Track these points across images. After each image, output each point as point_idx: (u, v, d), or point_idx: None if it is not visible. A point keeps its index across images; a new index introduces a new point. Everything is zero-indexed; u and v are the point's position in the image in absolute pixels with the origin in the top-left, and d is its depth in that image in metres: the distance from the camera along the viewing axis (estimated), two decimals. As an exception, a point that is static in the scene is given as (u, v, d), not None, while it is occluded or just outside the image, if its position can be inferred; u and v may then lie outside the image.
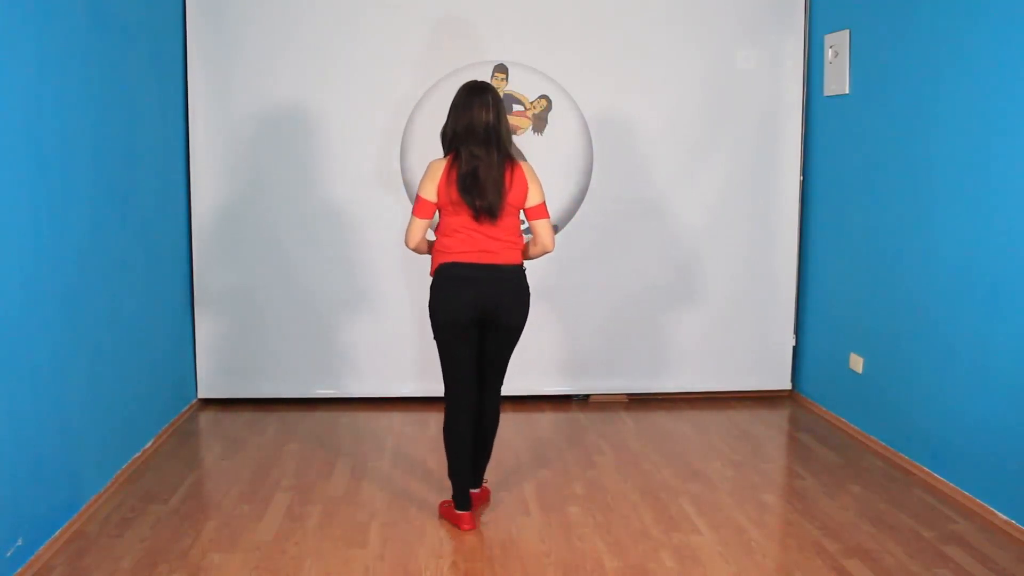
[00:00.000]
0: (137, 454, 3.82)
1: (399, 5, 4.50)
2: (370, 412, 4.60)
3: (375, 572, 2.92)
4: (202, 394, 4.66)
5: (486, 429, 3.29)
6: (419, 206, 3.10)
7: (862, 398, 4.22)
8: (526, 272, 3.17)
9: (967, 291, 3.47)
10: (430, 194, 3.07)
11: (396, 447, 4.09)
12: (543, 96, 4.59)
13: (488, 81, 3.11)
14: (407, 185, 4.58)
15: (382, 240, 4.59)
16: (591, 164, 4.63)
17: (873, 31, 4.10)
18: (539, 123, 4.60)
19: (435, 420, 4.47)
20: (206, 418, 4.50)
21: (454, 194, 3.03)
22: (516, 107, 4.58)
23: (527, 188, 3.09)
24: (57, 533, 3.06)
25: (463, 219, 3.06)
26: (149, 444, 3.95)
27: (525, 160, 3.19)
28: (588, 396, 4.81)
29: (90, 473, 3.37)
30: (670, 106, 4.63)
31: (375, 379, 4.71)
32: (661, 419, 4.52)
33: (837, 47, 4.35)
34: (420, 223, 3.12)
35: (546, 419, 4.51)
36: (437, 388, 4.64)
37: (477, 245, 3.06)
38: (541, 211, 3.13)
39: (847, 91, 4.31)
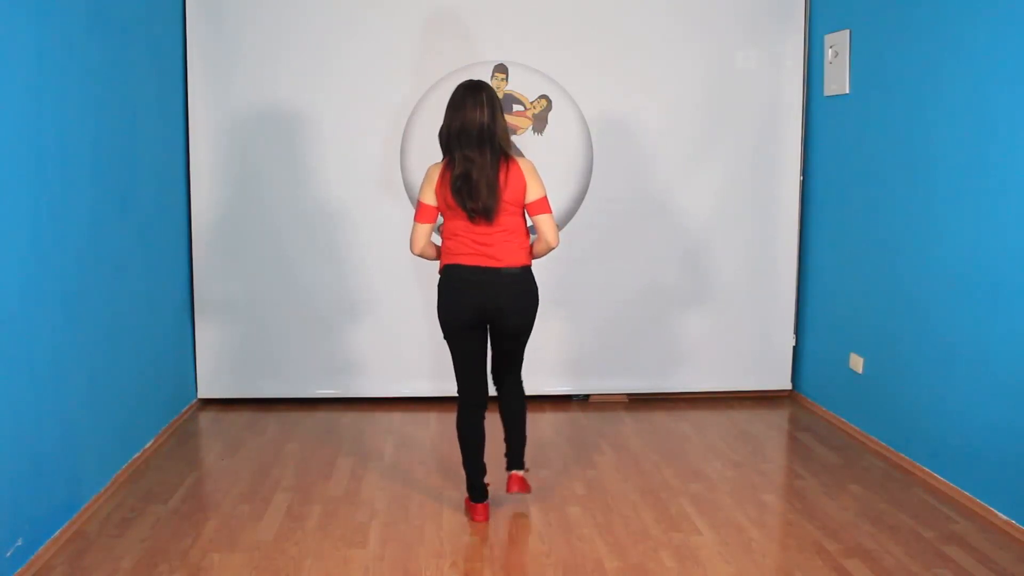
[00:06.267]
0: (137, 454, 3.82)
1: (398, 5, 4.50)
2: (370, 412, 4.60)
3: (375, 572, 2.92)
4: (202, 394, 4.66)
5: (514, 413, 3.33)
6: (420, 211, 3.13)
7: (862, 398, 4.22)
8: (532, 272, 3.18)
9: (967, 291, 3.47)
10: (429, 198, 3.10)
11: (396, 447, 4.09)
12: (543, 96, 4.59)
13: (484, 80, 3.12)
14: (407, 186, 4.58)
15: (382, 240, 4.60)
16: (591, 164, 4.63)
17: (873, 31, 4.10)
18: (539, 123, 4.60)
19: (435, 420, 4.47)
20: (206, 418, 4.50)
21: (449, 198, 3.05)
22: (516, 107, 4.58)
23: (525, 184, 3.08)
24: (57, 533, 3.06)
25: (462, 222, 3.08)
26: (149, 444, 3.95)
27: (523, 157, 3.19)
28: (588, 396, 4.81)
29: (90, 473, 3.37)
30: (670, 106, 4.63)
31: (375, 379, 4.71)
32: (661, 419, 4.52)
33: (837, 47, 4.35)
34: (422, 228, 3.14)
35: (546, 419, 4.51)
36: (437, 388, 4.70)
37: (477, 248, 3.08)
38: (542, 206, 3.12)
39: (847, 91, 4.31)
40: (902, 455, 3.88)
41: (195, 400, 4.65)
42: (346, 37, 4.49)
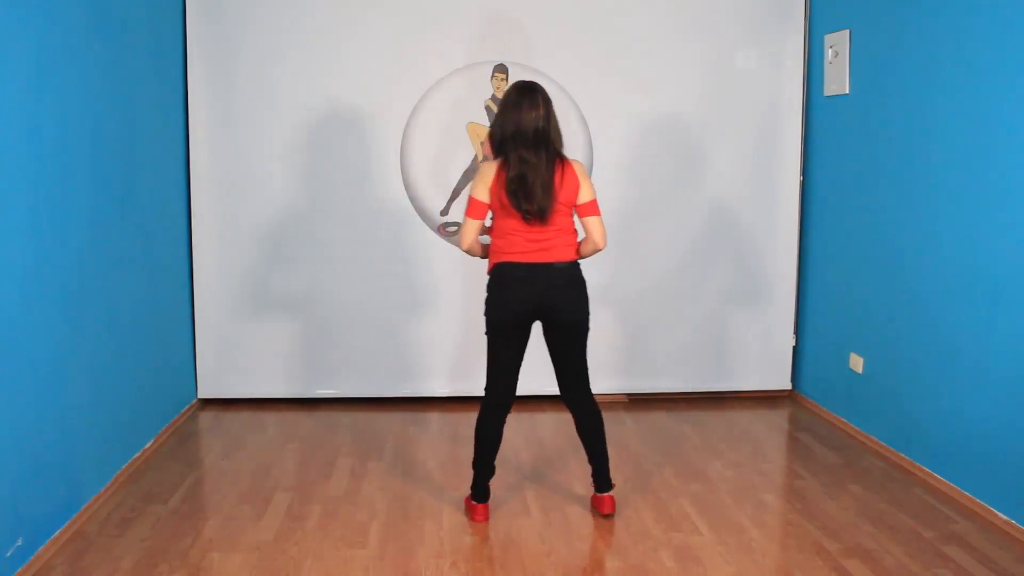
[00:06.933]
0: (137, 454, 3.82)
1: (399, 5, 4.50)
2: (370, 412, 4.60)
3: (375, 572, 2.92)
4: (202, 394, 4.66)
5: (594, 431, 3.28)
6: (472, 207, 3.13)
7: (862, 398, 4.22)
8: (580, 267, 3.20)
9: (967, 291, 3.47)
10: (482, 195, 3.10)
11: (396, 447, 4.09)
12: (543, 96, 4.58)
13: (536, 81, 3.16)
14: (407, 185, 4.58)
15: (382, 240, 4.60)
16: (590, 164, 4.63)
17: (873, 31, 4.10)
18: (539, 123, 4.59)
19: (435, 420, 4.47)
20: (206, 418, 4.50)
21: (504, 198, 3.06)
22: (516, 107, 4.58)
23: (578, 186, 3.11)
24: (57, 533, 3.05)
25: (515, 222, 3.09)
26: (149, 444, 3.95)
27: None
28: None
29: (90, 473, 3.37)
30: (670, 106, 4.63)
31: (375, 379, 4.71)
32: (661, 419, 4.52)
33: (837, 47, 4.35)
34: (473, 224, 3.15)
35: (546, 419, 4.51)
36: (437, 388, 4.70)
37: (529, 246, 3.10)
38: (592, 208, 3.15)
39: (847, 91, 4.31)
40: (902, 455, 3.88)
41: (195, 400, 4.65)
42: (346, 37, 4.49)
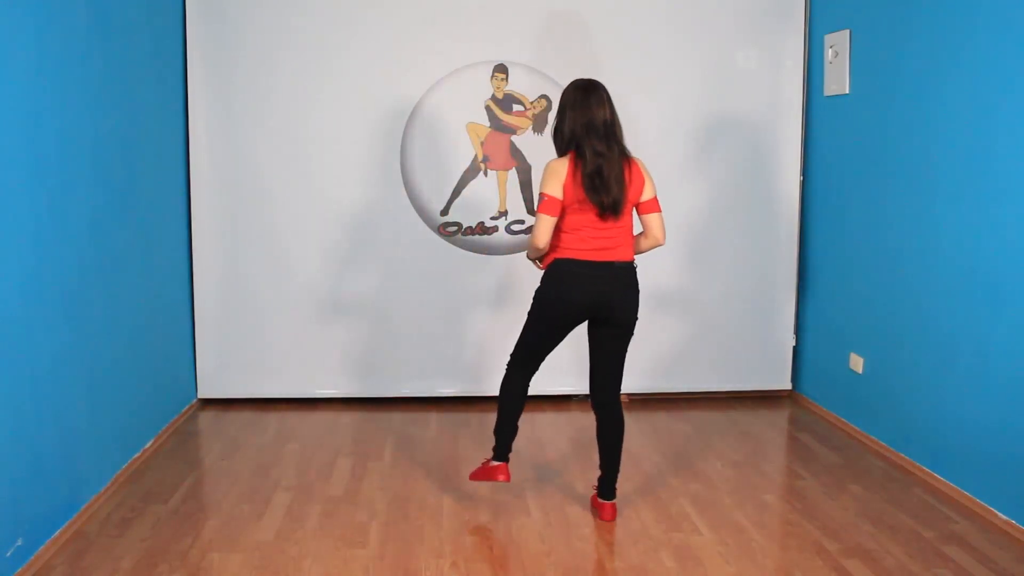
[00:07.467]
0: (137, 454, 3.82)
1: (398, 5, 4.50)
2: (370, 412, 4.60)
3: (375, 572, 2.92)
4: (202, 394, 4.66)
5: (616, 441, 3.28)
6: (548, 204, 3.07)
7: (862, 398, 4.22)
8: (636, 268, 3.22)
9: (967, 291, 3.47)
10: (556, 191, 3.07)
11: (396, 447, 4.09)
12: (543, 96, 4.59)
13: (595, 79, 3.19)
14: (407, 185, 4.58)
15: (382, 240, 4.60)
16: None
17: (873, 31, 4.10)
18: (539, 123, 4.60)
19: (435, 420, 4.47)
20: (206, 418, 4.50)
21: (580, 193, 3.05)
22: (516, 107, 4.58)
23: (644, 183, 3.14)
24: (57, 533, 3.05)
25: (587, 216, 3.08)
26: (149, 444, 3.95)
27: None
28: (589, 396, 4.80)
29: (90, 473, 3.37)
30: (670, 106, 4.63)
31: (375, 379, 4.71)
32: (661, 419, 4.52)
33: (837, 47, 4.35)
34: (550, 221, 3.09)
35: (546, 419, 4.51)
36: (437, 388, 4.70)
37: (596, 243, 3.11)
38: (655, 205, 3.18)
39: (847, 91, 4.31)
40: (902, 455, 3.88)
41: (195, 400, 4.65)
42: (346, 37, 4.49)
